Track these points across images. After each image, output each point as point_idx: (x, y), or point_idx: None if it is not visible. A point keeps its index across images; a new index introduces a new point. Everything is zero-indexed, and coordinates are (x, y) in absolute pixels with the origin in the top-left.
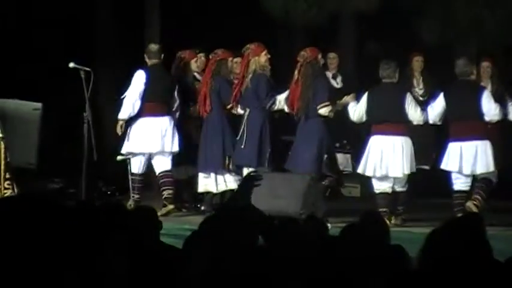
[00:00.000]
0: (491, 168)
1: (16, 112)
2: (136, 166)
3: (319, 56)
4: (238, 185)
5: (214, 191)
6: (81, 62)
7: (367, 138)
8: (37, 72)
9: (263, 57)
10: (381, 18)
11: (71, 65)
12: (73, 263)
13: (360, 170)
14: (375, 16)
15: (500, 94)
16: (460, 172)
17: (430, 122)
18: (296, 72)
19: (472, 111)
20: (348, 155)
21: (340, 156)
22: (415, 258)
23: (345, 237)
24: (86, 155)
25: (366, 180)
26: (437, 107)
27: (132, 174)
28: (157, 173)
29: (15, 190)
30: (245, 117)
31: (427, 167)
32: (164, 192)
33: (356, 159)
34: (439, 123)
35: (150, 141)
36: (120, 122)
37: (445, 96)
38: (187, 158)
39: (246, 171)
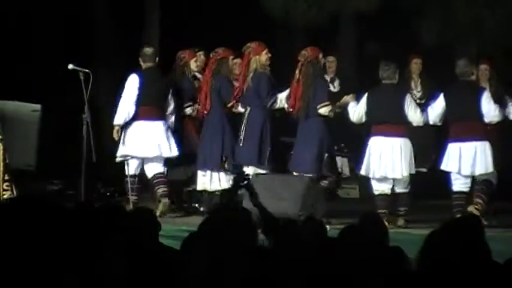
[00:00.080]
0: (490, 169)
1: (15, 114)
2: (133, 168)
3: (320, 56)
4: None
5: (209, 189)
6: (80, 63)
7: (366, 139)
8: (36, 74)
9: (264, 56)
10: (380, 19)
11: (70, 66)
12: (72, 264)
13: (362, 172)
14: (374, 16)
15: (500, 95)
16: (459, 173)
17: (430, 122)
18: (297, 71)
19: (471, 112)
20: (345, 159)
21: (337, 160)
22: (414, 260)
23: (344, 239)
24: (85, 156)
25: (364, 182)
26: (437, 108)
27: (130, 176)
28: (149, 177)
29: (14, 192)
30: (246, 116)
31: (424, 170)
32: (159, 190)
33: (356, 161)
34: (439, 123)
35: (144, 145)
36: (116, 128)
37: (445, 96)
38: (187, 159)
39: (246, 170)
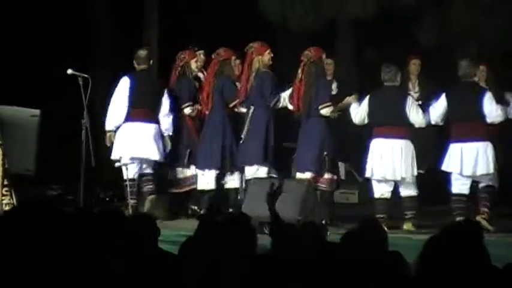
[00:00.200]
0: (492, 170)
1: (14, 119)
2: (132, 172)
3: (324, 56)
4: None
5: (207, 188)
6: (79, 67)
7: (368, 141)
8: (35, 79)
9: (266, 56)
10: (378, 24)
11: (69, 71)
12: (72, 268)
13: (367, 174)
14: (372, 21)
15: (500, 95)
16: (460, 173)
17: (432, 122)
18: (299, 71)
19: (473, 112)
20: (342, 164)
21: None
22: (414, 265)
23: (343, 243)
24: (84, 161)
25: (363, 187)
26: (439, 108)
27: (129, 179)
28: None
29: (13, 197)
30: (249, 115)
31: (421, 171)
32: (145, 188)
33: (355, 164)
34: (441, 123)
35: (134, 146)
36: (108, 134)
37: (447, 96)
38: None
39: (248, 169)
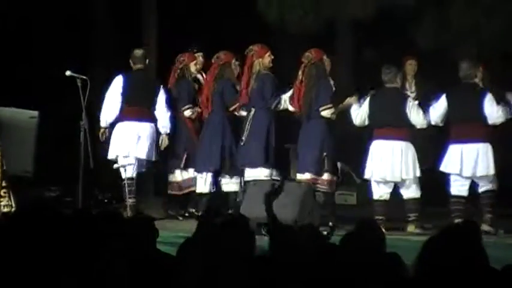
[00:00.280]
0: (492, 171)
1: (12, 120)
2: (130, 171)
3: (324, 57)
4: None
5: (205, 191)
6: (78, 69)
7: (368, 142)
8: (33, 80)
9: (267, 59)
10: (377, 25)
11: (68, 73)
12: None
13: (366, 175)
14: (371, 22)
15: (500, 96)
16: (460, 174)
17: (432, 123)
18: (300, 72)
19: (474, 113)
20: (339, 164)
21: None
22: (412, 266)
23: (341, 245)
24: (82, 163)
25: (361, 188)
26: (439, 109)
27: (128, 178)
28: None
29: (12, 198)
30: (250, 118)
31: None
32: (129, 201)
33: (358, 166)
34: (440, 124)
35: (129, 145)
36: (101, 130)
37: (447, 97)
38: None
39: (249, 171)
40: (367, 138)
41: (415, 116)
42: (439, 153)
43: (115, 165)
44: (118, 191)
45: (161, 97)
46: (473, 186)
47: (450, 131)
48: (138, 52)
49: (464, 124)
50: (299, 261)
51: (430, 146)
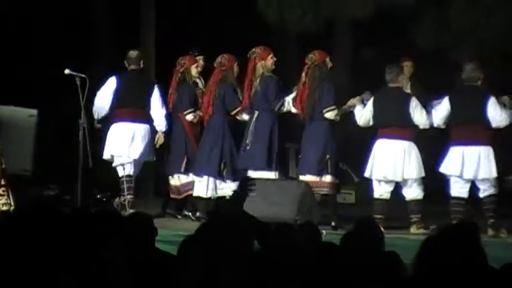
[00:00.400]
0: (494, 174)
1: (11, 118)
2: (128, 169)
3: (327, 59)
4: (233, 192)
5: (204, 196)
6: (77, 67)
7: (372, 142)
8: (32, 79)
9: (269, 61)
10: (376, 25)
11: (67, 71)
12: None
13: (365, 174)
14: (370, 22)
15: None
16: (460, 176)
17: (434, 125)
18: (303, 74)
19: (476, 116)
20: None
21: None
22: (410, 265)
23: (340, 244)
24: (81, 161)
25: (360, 187)
26: (441, 111)
27: (126, 176)
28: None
29: (11, 197)
30: (253, 120)
31: None
32: (128, 197)
33: (357, 165)
34: (443, 126)
35: (124, 146)
36: (95, 122)
37: (450, 100)
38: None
39: (253, 174)
40: (371, 138)
41: (419, 116)
42: (437, 153)
43: (114, 164)
44: (117, 190)
45: (155, 96)
46: (473, 188)
47: (452, 133)
48: (133, 53)
49: (467, 126)
50: (298, 260)
51: (428, 146)
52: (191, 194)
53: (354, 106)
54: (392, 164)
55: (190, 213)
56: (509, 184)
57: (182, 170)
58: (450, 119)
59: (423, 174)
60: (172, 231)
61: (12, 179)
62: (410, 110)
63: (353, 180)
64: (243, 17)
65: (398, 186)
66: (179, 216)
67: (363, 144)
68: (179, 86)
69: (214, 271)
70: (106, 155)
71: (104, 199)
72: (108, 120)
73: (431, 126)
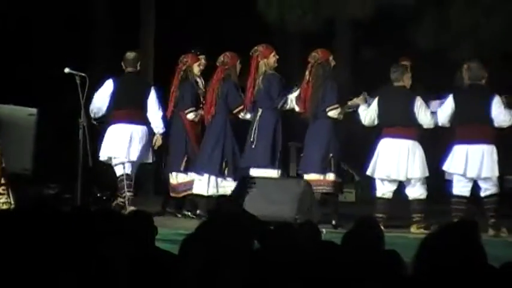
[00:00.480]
0: (496, 173)
1: (11, 117)
2: (126, 168)
3: (331, 58)
4: (233, 190)
5: (205, 194)
6: (76, 63)
7: (376, 141)
8: (32, 78)
9: (272, 59)
10: (376, 24)
11: (67, 70)
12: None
13: (368, 172)
14: (370, 22)
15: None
16: (464, 175)
17: (439, 124)
18: (307, 72)
19: (480, 115)
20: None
21: None
22: (410, 264)
23: (343, 244)
24: (81, 160)
25: (361, 185)
26: (446, 110)
27: (126, 174)
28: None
29: (11, 196)
30: (257, 118)
31: None
32: (127, 194)
33: (358, 163)
34: (447, 125)
35: (119, 147)
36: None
37: (454, 98)
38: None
39: (256, 172)
40: (372, 136)
41: (423, 115)
42: (439, 154)
43: (113, 162)
44: (117, 189)
45: (152, 98)
46: (474, 187)
47: (456, 132)
48: (130, 55)
49: (471, 125)
50: (298, 259)
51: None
52: (190, 194)
53: (357, 106)
54: (396, 163)
55: (189, 213)
56: (509, 183)
57: (182, 168)
58: (454, 118)
59: (427, 174)
60: (173, 230)
61: (12, 178)
62: (415, 110)
63: (353, 178)
64: (243, 17)
65: (401, 185)
66: (179, 215)
67: (364, 142)
68: (181, 84)
69: (214, 269)
70: (103, 157)
71: (104, 198)
72: (105, 121)
73: (437, 126)
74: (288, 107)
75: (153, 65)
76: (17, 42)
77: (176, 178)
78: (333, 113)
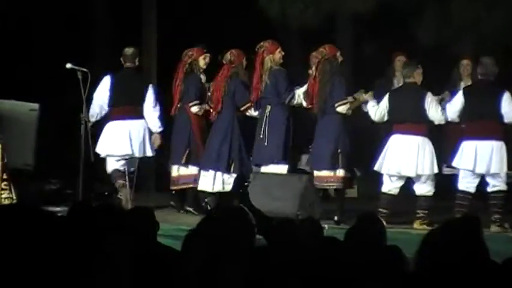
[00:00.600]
0: (505, 169)
1: (13, 113)
2: (126, 164)
3: (338, 53)
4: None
5: (210, 190)
6: (78, 63)
7: (386, 137)
8: (34, 73)
9: (277, 55)
10: (377, 19)
11: (68, 65)
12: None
13: (376, 168)
14: (371, 17)
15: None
16: (473, 171)
17: (448, 119)
18: (314, 68)
19: (490, 111)
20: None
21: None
22: (412, 260)
23: (345, 240)
24: (82, 156)
25: (363, 181)
26: (456, 105)
27: (129, 172)
28: (109, 171)
29: (12, 191)
30: (266, 115)
31: None
32: (119, 182)
33: (361, 159)
34: (457, 120)
35: (119, 143)
36: (89, 124)
37: (464, 94)
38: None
39: (267, 168)
40: (384, 133)
41: (434, 111)
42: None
43: (116, 158)
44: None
45: (149, 96)
46: (481, 184)
47: (465, 127)
48: (129, 50)
49: (480, 121)
50: (300, 255)
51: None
52: (191, 188)
53: (365, 101)
54: (406, 160)
55: (191, 209)
56: None
57: (183, 161)
58: (463, 113)
59: (436, 171)
60: (174, 226)
61: (14, 173)
62: (426, 106)
63: (356, 174)
64: (245, 15)
65: (409, 181)
66: (181, 211)
67: (365, 138)
68: (186, 78)
69: (215, 265)
70: (102, 154)
71: (106, 193)
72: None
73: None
74: (295, 102)
75: (156, 65)
76: (18, 39)
77: (178, 171)
78: (341, 109)
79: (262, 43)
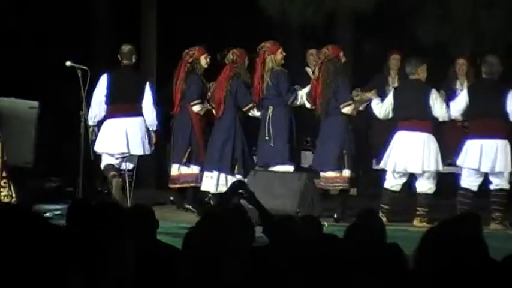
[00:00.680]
0: (509, 168)
1: (12, 110)
2: (131, 164)
3: (341, 54)
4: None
5: (213, 191)
6: (78, 61)
7: (392, 133)
8: (33, 71)
9: (279, 55)
10: (377, 18)
11: (68, 63)
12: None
13: (381, 165)
14: (371, 15)
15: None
16: (478, 169)
17: (452, 117)
18: (317, 69)
19: (495, 110)
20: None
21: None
22: (412, 257)
23: (345, 237)
24: (82, 153)
25: (362, 179)
26: (460, 103)
27: (128, 170)
28: (118, 167)
29: (12, 189)
30: (269, 116)
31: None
32: (110, 173)
33: (362, 156)
34: (460, 118)
35: (115, 141)
36: (90, 129)
37: (468, 92)
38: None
39: (272, 169)
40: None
41: (439, 108)
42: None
43: (116, 156)
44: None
45: (147, 94)
46: (484, 181)
47: (469, 127)
48: (125, 48)
49: (485, 120)
50: (299, 252)
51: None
52: (192, 187)
53: (369, 100)
54: (412, 156)
55: (190, 207)
56: None
57: (184, 160)
58: (468, 112)
59: (441, 168)
60: (174, 223)
61: (14, 171)
62: (431, 103)
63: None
64: (245, 15)
65: (411, 178)
66: (181, 208)
67: (364, 136)
68: (188, 77)
69: (215, 263)
70: (99, 152)
71: (105, 191)
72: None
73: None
74: (298, 103)
75: (155, 65)
76: (18, 36)
77: (179, 170)
78: (347, 110)
79: (263, 44)
